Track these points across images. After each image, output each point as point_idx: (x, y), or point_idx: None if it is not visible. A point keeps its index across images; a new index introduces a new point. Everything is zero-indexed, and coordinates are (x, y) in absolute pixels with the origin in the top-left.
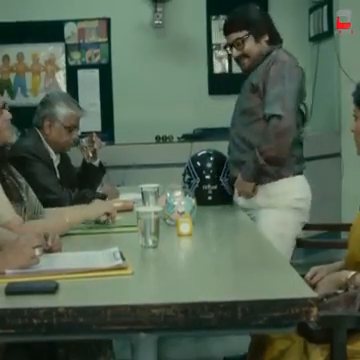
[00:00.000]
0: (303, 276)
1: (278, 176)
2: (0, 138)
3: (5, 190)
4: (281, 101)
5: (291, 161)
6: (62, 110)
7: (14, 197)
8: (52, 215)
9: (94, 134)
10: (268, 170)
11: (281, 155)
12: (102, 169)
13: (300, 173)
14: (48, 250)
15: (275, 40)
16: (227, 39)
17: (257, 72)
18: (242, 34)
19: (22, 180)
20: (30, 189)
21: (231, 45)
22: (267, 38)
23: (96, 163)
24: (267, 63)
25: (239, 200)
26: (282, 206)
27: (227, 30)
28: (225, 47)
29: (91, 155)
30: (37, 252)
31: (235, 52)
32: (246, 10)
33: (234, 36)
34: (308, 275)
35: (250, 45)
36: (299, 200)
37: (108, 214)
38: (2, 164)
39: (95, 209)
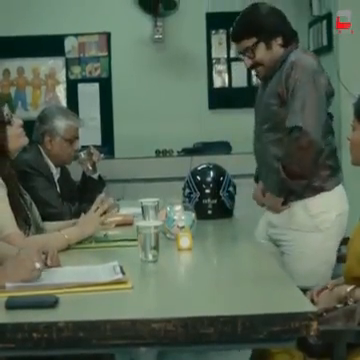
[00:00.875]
0: (303, 290)
1: (317, 190)
2: (17, 144)
3: (12, 205)
4: (302, 112)
5: (327, 173)
6: (61, 123)
7: (21, 215)
8: (52, 230)
9: (91, 147)
10: (292, 186)
11: (304, 171)
12: (102, 182)
13: (338, 183)
14: (47, 267)
15: (290, 40)
16: (237, 47)
17: (279, 79)
18: (251, 42)
19: (27, 196)
20: (34, 205)
21: (243, 53)
22: (280, 41)
23: (95, 176)
24: (286, 69)
25: (273, 218)
26: (326, 227)
27: (234, 38)
28: (240, 53)
29: (90, 168)
30: (38, 265)
31: (247, 61)
32: (253, 13)
33: (242, 45)
34: (319, 288)
35: (261, 53)
36: (341, 214)
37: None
38: (11, 178)
39: (90, 226)
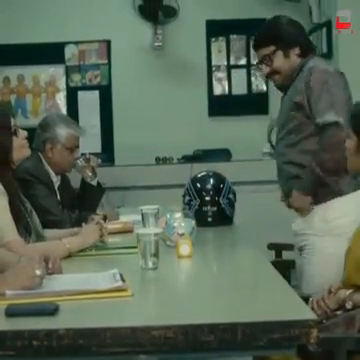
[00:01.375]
0: (303, 298)
1: (335, 194)
2: (21, 155)
3: (12, 213)
4: (333, 108)
5: (347, 178)
6: (62, 132)
7: (22, 223)
8: (52, 238)
9: (87, 153)
10: (328, 182)
11: (340, 166)
12: (101, 189)
13: (357, 189)
14: (49, 273)
15: (307, 51)
16: (256, 56)
17: (296, 88)
18: (269, 50)
19: (27, 204)
20: (34, 213)
21: (261, 61)
22: (298, 51)
23: (95, 182)
24: (305, 75)
25: (295, 226)
26: (341, 233)
27: (254, 46)
28: (257, 64)
29: (90, 174)
30: (38, 272)
31: (265, 69)
32: (273, 23)
33: (261, 52)
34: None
35: (279, 61)
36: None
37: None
38: (12, 186)
39: (91, 236)
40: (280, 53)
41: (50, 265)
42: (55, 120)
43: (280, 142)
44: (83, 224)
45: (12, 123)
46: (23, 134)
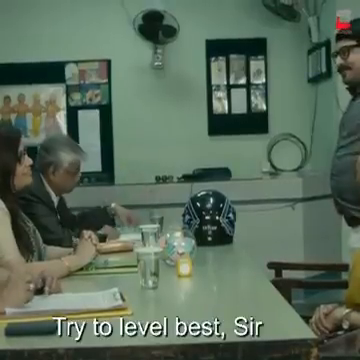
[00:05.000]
0: (304, 317)
1: None
2: (22, 182)
3: (14, 230)
4: None
5: None
6: (67, 157)
7: (23, 242)
8: (53, 255)
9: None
10: None
11: None
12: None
13: None
14: (49, 292)
15: None
16: (336, 46)
17: None
18: (349, 43)
19: (30, 224)
20: (37, 233)
21: (338, 53)
22: None
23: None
24: None
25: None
26: None
27: (338, 36)
28: (334, 55)
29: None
30: (31, 286)
31: (338, 60)
32: None
33: (341, 43)
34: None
35: (355, 57)
36: None
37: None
38: (14, 206)
39: (88, 253)
40: (358, 50)
41: (47, 288)
42: (60, 143)
43: (342, 150)
44: (77, 239)
45: (20, 148)
46: (28, 161)
